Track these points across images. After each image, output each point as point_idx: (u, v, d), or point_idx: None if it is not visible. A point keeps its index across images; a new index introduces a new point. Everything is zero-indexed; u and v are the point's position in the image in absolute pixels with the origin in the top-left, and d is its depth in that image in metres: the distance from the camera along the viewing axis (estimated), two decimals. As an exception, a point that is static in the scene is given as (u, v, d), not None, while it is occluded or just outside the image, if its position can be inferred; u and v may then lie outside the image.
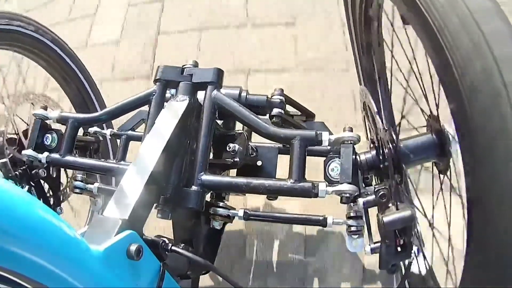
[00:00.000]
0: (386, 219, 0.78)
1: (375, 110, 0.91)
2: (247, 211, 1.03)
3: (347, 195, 0.87)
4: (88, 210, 1.57)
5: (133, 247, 0.65)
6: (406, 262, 0.88)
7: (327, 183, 0.89)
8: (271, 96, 1.10)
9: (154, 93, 1.04)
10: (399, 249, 0.81)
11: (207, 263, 0.79)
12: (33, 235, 0.49)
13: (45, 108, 1.16)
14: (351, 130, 0.91)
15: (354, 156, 0.89)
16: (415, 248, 0.83)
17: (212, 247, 1.07)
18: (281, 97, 1.10)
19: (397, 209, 0.80)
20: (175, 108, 0.97)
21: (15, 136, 1.22)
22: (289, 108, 1.31)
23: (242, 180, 0.93)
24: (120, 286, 0.62)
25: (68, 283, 0.54)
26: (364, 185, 0.94)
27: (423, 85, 0.93)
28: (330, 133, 0.93)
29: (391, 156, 0.86)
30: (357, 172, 0.90)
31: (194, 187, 0.92)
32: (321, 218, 1.01)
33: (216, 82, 1.00)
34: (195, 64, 1.06)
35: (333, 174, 0.90)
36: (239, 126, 1.15)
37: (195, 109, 1.00)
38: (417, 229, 0.90)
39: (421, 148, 0.89)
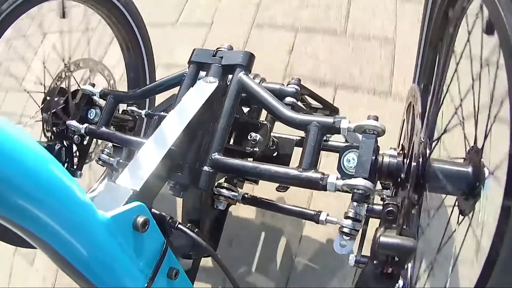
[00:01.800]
0: (383, 239, 0.68)
1: (419, 114, 0.82)
2: (246, 195, 1.02)
3: (361, 191, 0.78)
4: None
5: (140, 219, 0.65)
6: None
7: (338, 176, 0.81)
8: (287, 85, 1.09)
9: (185, 74, 1.06)
10: (384, 276, 0.71)
11: (208, 247, 0.78)
12: (43, 190, 0.49)
13: (93, 85, 1.27)
14: (376, 119, 0.81)
15: (375, 151, 0.80)
16: (400, 282, 0.73)
17: (216, 231, 1.07)
18: (296, 87, 1.08)
19: (400, 233, 0.71)
20: (203, 88, 0.97)
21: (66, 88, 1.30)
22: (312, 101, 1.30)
23: (250, 164, 0.92)
24: (121, 255, 0.63)
25: (71, 244, 0.54)
26: (381, 187, 0.87)
27: (477, 112, 0.81)
28: (350, 122, 0.85)
29: (416, 172, 0.76)
30: (376, 170, 0.81)
31: (205, 168, 0.91)
32: (314, 213, 0.94)
33: (245, 65, 1.00)
34: (229, 48, 1.06)
35: (348, 166, 0.81)
36: (263, 118, 1.15)
37: (224, 92, 1.00)
38: (412, 264, 0.80)
39: (453, 176, 0.77)
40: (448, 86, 0.88)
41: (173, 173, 0.91)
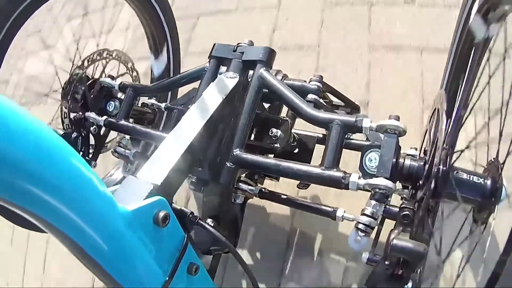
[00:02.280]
0: (395, 242, 0.70)
1: (445, 121, 0.82)
2: (263, 189, 1.01)
3: (382, 191, 0.79)
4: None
5: (161, 214, 0.65)
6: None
7: (360, 175, 0.82)
8: (309, 82, 1.08)
9: (206, 69, 1.06)
10: (394, 277, 0.74)
11: (228, 243, 0.78)
12: (63, 182, 0.49)
13: (112, 77, 1.27)
14: (397, 118, 0.82)
15: (397, 151, 0.81)
16: (410, 285, 0.75)
17: (235, 227, 1.06)
18: (319, 84, 1.07)
19: (413, 238, 0.73)
20: (224, 83, 0.97)
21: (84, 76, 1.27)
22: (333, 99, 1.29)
23: (272, 161, 0.92)
24: (141, 249, 0.62)
25: (90, 236, 0.53)
26: (401, 187, 0.88)
27: (503, 125, 0.81)
28: (372, 121, 0.86)
29: (435, 180, 0.76)
30: (397, 170, 0.82)
31: (227, 164, 0.91)
32: (331, 210, 0.93)
33: (265, 61, 1.00)
34: (250, 43, 1.06)
35: (370, 165, 0.82)
36: (284, 114, 1.14)
37: (244, 88, 0.99)
38: (422, 268, 0.82)
39: (471, 186, 0.79)
40: (479, 96, 0.86)
41: (194, 168, 0.91)
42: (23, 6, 1.07)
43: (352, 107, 1.33)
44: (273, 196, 1.03)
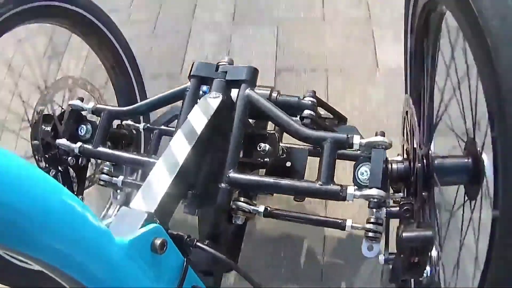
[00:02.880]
0: (405, 234, 0.78)
1: (416, 121, 0.91)
2: (268, 208, 1.01)
3: (376, 200, 0.87)
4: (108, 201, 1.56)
5: (157, 241, 0.65)
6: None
7: (355, 187, 0.89)
8: (303, 98, 1.09)
9: (188, 89, 1.06)
10: (412, 266, 0.80)
11: (230, 261, 0.79)
12: (58, 223, 0.49)
13: (82, 99, 1.19)
14: (383, 134, 0.90)
15: (385, 162, 0.89)
16: (428, 269, 0.84)
17: (235, 245, 1.07)
18: (313, 99, 1.09)
19: (418, 226, 0.81)
20: (208, 104, 0.97)
21: (51, 114, 1.23)
22: (321, 111, 1.31)
23: (270, 179, 0.94)
24: (142, 279, 0.62)
25: (91, 272, 0.54)
26: (393, 192, 0.94)
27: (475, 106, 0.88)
28: (362, 137, 0.92)
29: (422, 172, 0.86)
30: (387, 178, 0.89)
31: (222, 185, 0.93)
32: (340, 221, 0.97)
33: (250, 80, 1.01)
34: (230, 62, 1.07)
35: (362, 178, 0.89)
36: (271, 127, 1.15)
37: (228, 107, 1.00)
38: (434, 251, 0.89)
39: (455, 169, 0.87)
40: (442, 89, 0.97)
41: (186, 192, 0.91)
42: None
43: (339, 119, 1.36)
44: (278, 215, 1.03)
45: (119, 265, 0.59)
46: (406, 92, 1.28)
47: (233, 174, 0.94)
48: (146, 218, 0.68)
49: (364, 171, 0.90)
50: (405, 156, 0.97)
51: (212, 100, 0.98)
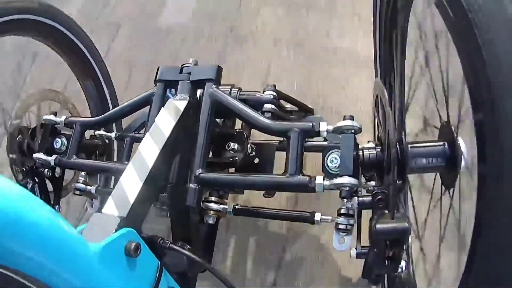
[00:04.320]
0: (378, 226, 0.73)
1: (387, 106, 0.86)
2: (236, 206, 1.02)
3: (347, 188, 0.82)
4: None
5: (131, 244, 0.65)
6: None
7: (325, 177, 0.85)
8: (263, 92, 1.10)
9: (154, 94, 1.05)
10: (386, 260, 0.77)
11: (203, 262, 0.79)
12: (30, 231, 0.49)
13: (55, 113, 1.21)
14: (352, 118, 0.86)
15: (355, 148, 0.85)
16: (403, 263, 0.79)
17: (208, 245, 1.07)
18: (273, 93, 1.10)
19: (392, 218, 0.75)
20: (174, 106, 0.97)
21: (26, 126, 1.24)
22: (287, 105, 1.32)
23: (237, 176, 0.94)
24: (118, 282, 0.63)
25: (66, 279, 0.54)
26: (365, 181, 0.91)
27: (439, 91, 0.87)
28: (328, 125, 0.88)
29: (396, 158, 0.80)
30: (358, 165, 0.86)
31: (191, 185, 0.92)
32: (309, 215, 0.96)
33: (214, 79, 1.01)
34: (196, 63, 1.07)
35: (332, 166, 0.85)
36: (238, 126, 1.16)
37: (195, 108, 1.00)
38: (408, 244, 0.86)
39: (430, 155, 0.83)
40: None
41: (158, 195, 0.91)
42: None
43: (305, 111, 1.36)
44: (247, 212, 1.04)
45: (93, 270, 0.59)
46: (376, 76, 1.25)
47: (202, 174, 0.93)
48: (119, 222, 0.69)
49: (334, 158, 0.85)
50: (377, 143, 0.92)
51: (178, 102, 0.98)
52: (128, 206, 0.73)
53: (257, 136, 1.11)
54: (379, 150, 0.87)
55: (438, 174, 0.88)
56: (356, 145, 0.85)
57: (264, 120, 0.94)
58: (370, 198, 0.82)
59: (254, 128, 0.98)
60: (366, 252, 0.81)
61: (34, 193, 1.16)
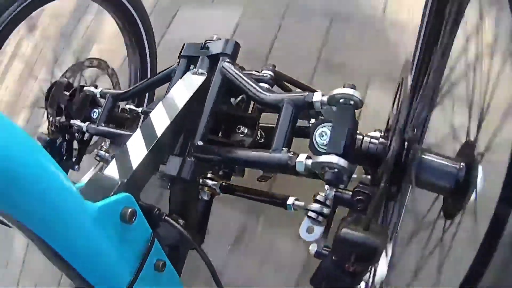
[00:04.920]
0: (343, 232, 0.60)
1: (409, 92, 0.71)
2: (224, 183, 0.99)
3: (333, 170, 0.67)
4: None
5: (127, 210, 0.65)
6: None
7: (309, 155, 0.72)
8: (260, 71, 1.09)
9: (175, 69, 1.07)
10: (343, 274, 0.62)
11: (192, 240, 0.77)
12: (27, 176, 0.49)
13: (96, 86, 1.33)
14: (353, 87, 0.71)
15: (353, 125, 0.70)
16: (362, 285, 0.68)
17: (202, 223, 1.07)
18: (270, 72, 1.08)
19: (366, 228, 0.60)
20: (191, 80, 0.97)
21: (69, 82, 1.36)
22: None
23: (225, 149, 0.90)
24: (107, 246, 0.62)
25: (56, 232, 0.53)
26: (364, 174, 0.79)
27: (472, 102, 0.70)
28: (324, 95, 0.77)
29: (395, 157, 0.66)
30: (353, 148, 0.71)
31: (187, 158, 0.91)
32: (282, 198, 0.86)
33: (228, 53, 1.01)
34: (218, 39, 1.06)
35: (321, 142, 0.71)
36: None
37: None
38: (376, 266, 0.73)
39: (439, 172, 0.68)
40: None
41: (160, 165, 0.91)
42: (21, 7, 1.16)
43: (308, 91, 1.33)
44: (231, 190, 1.01)
45: (85, 228, 0.59)
46: (413, 58, 1.00)
47: (197, 144, 0.92)
48: (119, 186, 0.68)
49: (325, 133, 0.71)
50: (385, 135, 0.78)
51: (196, 77, 0.98)
52: (130, 172, 0.73)
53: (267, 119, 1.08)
54: (384, 142, 0.73)
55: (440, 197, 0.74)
56: (354, 121, 0.70)
57: (262, 93, 0.88)
58: (349, 195, 0.71)
59: (253, 100, 0.96)
60: (325, 255, 0.68)
61: (61, 149, 1.30)
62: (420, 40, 0.98)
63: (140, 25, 1.59)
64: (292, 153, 0.75)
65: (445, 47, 0.79)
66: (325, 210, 0.73)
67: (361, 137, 0.74)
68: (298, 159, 0.72)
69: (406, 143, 0.68)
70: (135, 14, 1.55)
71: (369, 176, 0.77)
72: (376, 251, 0.58)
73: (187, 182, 0.92)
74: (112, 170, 0.73)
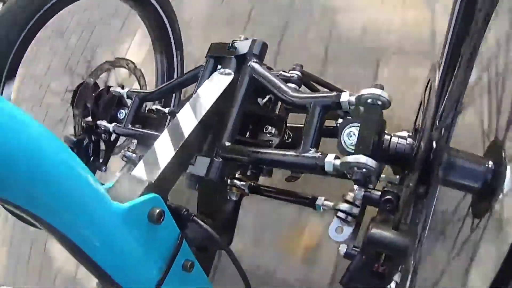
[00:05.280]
0: (373, 231, 0.61)
1: (438, 93, 0.72)
2: (252, 183, 0.98)
3: (362, 171, 0.67)
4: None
5: (155, 211, 0.65)
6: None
7: (337, 155, 0.72)
8: (288, 71, 1.08)
9: (202, 69, 1.07)
10: (373, 274, 0.63)
11: (221, 241, 0.77)
12: (56, 179, 0.49)
13: (122, 86, 1.32)
14: (381, 88, 0.71)
15: (381, 125, 0.71)
16: (393, 285, 0.66)
17: (230, 224, 1.06)
18: (298, 73, 1.07)
19: (396, 228, 0.62)
20: (218, 80, 0.97)
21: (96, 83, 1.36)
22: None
23: (252, 149, 0.89)
24: (136, 246, 0.62)
25: (85, 233, 0.54)
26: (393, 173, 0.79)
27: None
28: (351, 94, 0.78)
29: (423, 157, 0.66)
30: (381, 147, 0.72)
31: (215, 159, 0.91)
32: (312, 199, 0.86)
33: (256, 54, 1.00)
34: (245, 38, 1.06)
35: (349, 142, 0.71)
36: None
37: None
38: (408, 265, 0.73)
39: (467, 171, 0.69)
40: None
41: (188, 165, 0.91)
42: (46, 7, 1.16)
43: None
44: (259, 190, 1.00)
45: (113, 230, 0.59)
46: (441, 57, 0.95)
47: (224, 144, 0.92)
48: (146, 186, 0.68)
49: (353, 133, 0.71)
50: (412, 135, 0.78)
51: (223, 77, 0.98)
52: (157, 172, 0.73)
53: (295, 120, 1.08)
54: (412, 142, 0.74)
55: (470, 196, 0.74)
56: (382, 121, 0.71)
57: (290, 93, 0.88)
58: (378, 195, 0.71)
59: (281, 101, 0.95)
60: (354, 255, 0.68)
61: (88, 149, 1.30)
62: (448, 39, 0.93)
63: (168, 27, 1.58)
64: (320, 153, 0.75)
65: (473, 48, 0.77)
66: (354, 210, 0.74)
67: (388, 137, 0.75)
68: (326, 159, 0.72)
69: (434, 143, 0.68)
70: (163, 15, 1.55)
71: (397, 176, 0.78)
72: (405, 251, 0.59)
73: (215, 182, 0.92)
74: (139, 171, 0.73)
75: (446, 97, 0.76)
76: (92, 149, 1.31)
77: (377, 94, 0.70)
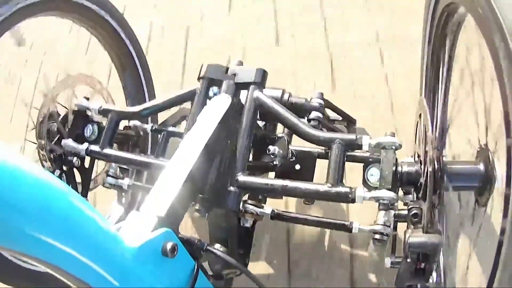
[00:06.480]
0: (411, 240, 0.77)
1: (430, 124, 0.89)
2: (275, 210, 1.01)
3: (386, 201, 0.86)
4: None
5: (168, 245, 0.64)
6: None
7: (365, 189, 0.88)
8: (310, 99, 1.09)
9: (197, 91, 1.05)
10: (418, 271, 0.79)
11: (240, 265, 0.78)
12: (67, 227, 0.49)
13: (87, 99, 1.16)
14: (393, 135, 0.90)
15: (395, 163, 0.88)
16: (434, 275, 0.82)
17: (245, 248, 1.06)
18: (321, 101, 1.08)
19: (426, 232, 0.79)
20: (218, 106, 0.97)
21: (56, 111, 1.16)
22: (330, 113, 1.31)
23: (278, 182, 0.93)
24: (153, 283, 0.62)
25: (101, 277, 0.53)
26: (403, 193, 0.93)
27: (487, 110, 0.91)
28: (371, 138, 0.92)
29: (433, 175, 0.83)
30: (397, 180, 0.89)
31: (231, 188, 0.92)
32: (347, 223, 0.97)
33: (259, 82, 1.01)
34: (240, 64, 1.06)
35: (372, 179, 0.90)
36: (280, 130, 1.14)
37: (237, 109, 1.00)
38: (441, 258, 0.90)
39: (466, 175, 0.88)
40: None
41: (196, 196, 0.91)
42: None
43: (348, 121, 1.35)
44: (285, 217, 1.03)
45: (129, 269, 0.59)
46: (421, 94, 1.27)
47: (242, 177, 0.93)
48: (157, 222, 0.68)
49: (375, 172, 0.90)
50: (416, 159, 0.96)
51: (221, 102, 0.98)
52: (166, 206, 0.72)
53: (300, 142, 1.09)
54: (417, 166, 0.90)
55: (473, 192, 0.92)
56: (396, 160, 0.89)
57: (308, 129, 0.95)
58: (406, 212, 0.85)
59: (298, 135, 0.98)
60: (399, 263, 0.83)
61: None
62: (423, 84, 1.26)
63: (127, 40, 1.43)
64: (349, 187, 0.88)
65: (445, 94, 1.10)
66: (387, 231, 0.89)
67: (400, 168, 0.90)
68: (357, 194, 0.87)
69: (436, 162, 0.84)
70: (123, 36, 1.41)
71: (408, 196, 0.93)
72: (436, 246, 0.76)
73: (231, 211, 0.93)
74: (148, 207, 0.73)
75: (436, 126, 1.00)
76: (66, 180, 1.12)
77: (392, 142, 0.89)
